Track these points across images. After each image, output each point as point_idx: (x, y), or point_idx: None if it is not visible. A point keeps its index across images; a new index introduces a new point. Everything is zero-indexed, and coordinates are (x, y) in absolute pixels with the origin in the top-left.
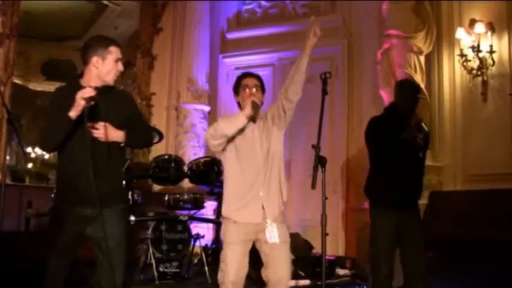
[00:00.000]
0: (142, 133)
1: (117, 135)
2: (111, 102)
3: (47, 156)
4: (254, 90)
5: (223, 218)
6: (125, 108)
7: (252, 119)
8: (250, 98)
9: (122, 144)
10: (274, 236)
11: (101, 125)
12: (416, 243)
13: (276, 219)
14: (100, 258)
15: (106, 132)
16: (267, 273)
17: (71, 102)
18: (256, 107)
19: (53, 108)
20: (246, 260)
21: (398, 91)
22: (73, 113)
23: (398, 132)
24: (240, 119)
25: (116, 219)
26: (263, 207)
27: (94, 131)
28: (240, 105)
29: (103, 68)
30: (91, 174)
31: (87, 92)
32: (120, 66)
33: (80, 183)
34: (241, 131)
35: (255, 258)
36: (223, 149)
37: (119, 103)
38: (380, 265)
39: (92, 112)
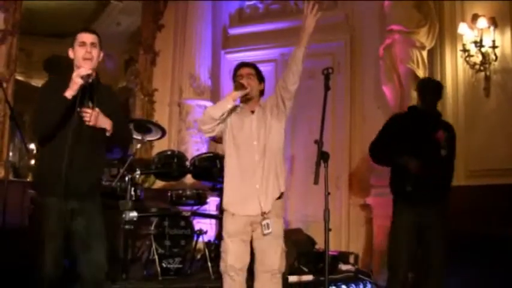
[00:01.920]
0: (125, 130)
1: (105, 122)
2: (99, 96)
3: None
4: (251, 78)
5: (223, 209)
6: (110, 104)
7: (251, 111)
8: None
9: (108, 134)
10: (268, 228)
11: (90, 110)
12: (437, 241)
13: (272, 212)
14: (81, 252)
15: (96, 116)
16: (255, 265)
17: (63, 91)
18: (239, 87)
19: (45, 95)
20: (247, 250)
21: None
22: (69, 93)
23: (421, 132)
24: (226, 100)
25: (97, 212)
26: (259, 200)
27: (84, 114)
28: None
29: (75, 57)
30: (65, 162)
31: (84, 70)
32: (87, 49)
33: (68, 176)
34: (231, 113)
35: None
36: (218, 137)
37: (105, 97)
38: (400, 261)
39: (86, 92)
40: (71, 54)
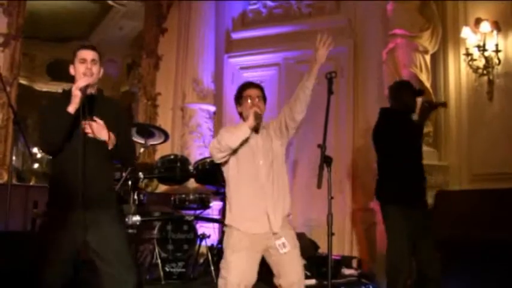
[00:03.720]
0: (127, 148)
1: (106, 135)
2: (101, 111)
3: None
4: (257, 100)
5: (227, 226)
6: (114, 118)
7: (255, 129)
8: (252, 109)
9: (110, 147)
10: (285, 246)
11: (92, 122)
12: (429, 241)
13: (282, 227)
14: (101, 265)
15: (96, 128)
16: (279, 281)
17: (66, 106)
18: (259, 117)
19: (49, 111)
20: (253, 270)
21: (397, 92)
22: (71, 108)
23: (406, 132)
24: (243, 130)
25: (113, 221)
26: (268, 218)
27: (84, 125)
28: (241, 116)
29: (76, 74)
30: (80, 173)
31: (82, 82)
32: (87, 65)
33: (76, 187)
34: (245, 141)
35: (264, 269)
36: (227, 162)
37: (109, 111)
38: (402, 264)
39: (88, 104)
40: (71, 71)
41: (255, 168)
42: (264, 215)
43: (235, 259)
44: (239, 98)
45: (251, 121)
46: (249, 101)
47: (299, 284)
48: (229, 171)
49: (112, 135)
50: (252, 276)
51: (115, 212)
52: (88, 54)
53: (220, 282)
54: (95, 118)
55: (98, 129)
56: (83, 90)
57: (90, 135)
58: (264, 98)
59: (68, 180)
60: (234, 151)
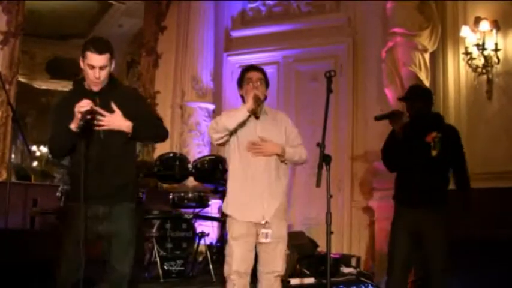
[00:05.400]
0: (150, 126)
1: (123, 124)
2: (116, 100)
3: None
4: (258, 83)
5: (225, 214)
6: (131, 106)
7: (255, 115)
8: (252, 92)
9: (129, 135)
10: (267, 237)
11: (107, 114)
12: (435, 243)
13: (275, 216)
14: (108, 257)
15: (110, 120)
16: (259, 267)
17: (73, 108)
18: (258, 101)
19: (56, 116)
20: (252, 253)
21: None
22: (73, 125)
23: (411, 135)
24: (242, 112)
25: (126, 217)
26: (263, 207)
27: (98, 120)
28: (243, 99)
29: (84, 74)
30: (82, 173)
31: (83, 106)
32: (96, 74)
33: (89, 181)
34: (243, 124)
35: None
36: (225, 143)
37: (124, 101)
38: (394, 262)
39: (88, 125)
40: (81, 64)
41: (253, 156)
42: (259, 202)
43: (235, 246)
44: (241, 80)
45: (250, 104)
46: (251, 84)
47: (278, 274)
48: (230, 159)
49: (128, 123)
50: (251, 261)
51: (128, 207)
52: (96, 61)
53: (226, 268)
54: (113, 107)
55: (110, 121)
56: (83, 115)
57: (104, 127)
58: (265, 82)
59: (86, 175)
60: (235, 138)
